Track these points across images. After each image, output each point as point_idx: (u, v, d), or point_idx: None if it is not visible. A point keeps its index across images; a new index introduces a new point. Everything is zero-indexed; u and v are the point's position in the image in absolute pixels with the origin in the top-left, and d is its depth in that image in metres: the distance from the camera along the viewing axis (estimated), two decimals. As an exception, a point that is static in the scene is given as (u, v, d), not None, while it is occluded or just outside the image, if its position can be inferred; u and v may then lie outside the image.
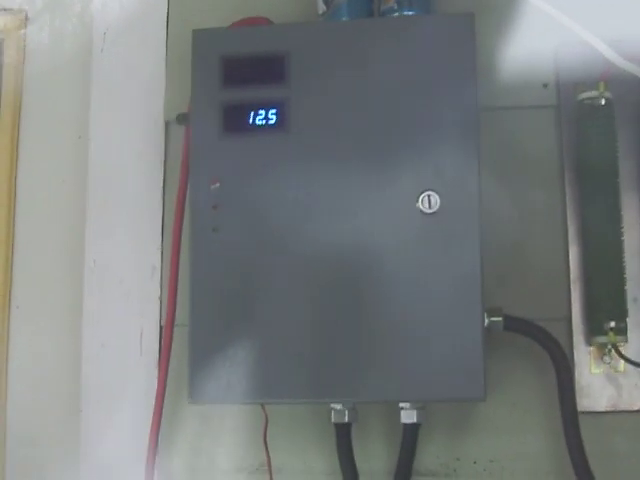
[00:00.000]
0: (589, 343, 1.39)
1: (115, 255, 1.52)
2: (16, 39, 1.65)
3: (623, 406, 1.39)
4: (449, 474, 1.42)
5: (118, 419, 1.49)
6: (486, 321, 1.27)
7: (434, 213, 1.26)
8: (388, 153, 1.28)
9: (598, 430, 1.38)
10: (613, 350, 1.35)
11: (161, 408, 1.41)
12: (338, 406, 1.33)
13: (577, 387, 1.37)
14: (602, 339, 1.35)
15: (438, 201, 1.26)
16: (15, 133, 1.62)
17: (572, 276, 1.41)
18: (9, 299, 1.57)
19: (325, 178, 1.29)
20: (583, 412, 1.36)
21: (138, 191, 1.54)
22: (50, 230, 1.58)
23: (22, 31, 1.66)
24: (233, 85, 1.33)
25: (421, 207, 1.26)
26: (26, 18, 1.66)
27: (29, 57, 1.65)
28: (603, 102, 1.39)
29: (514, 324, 1.32)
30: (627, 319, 1.35)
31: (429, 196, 1.26)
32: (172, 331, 1.42)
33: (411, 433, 1.33)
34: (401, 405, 1.31)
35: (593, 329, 1.37)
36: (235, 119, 1.32)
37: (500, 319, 1.29)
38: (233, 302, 1.29)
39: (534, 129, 1.47)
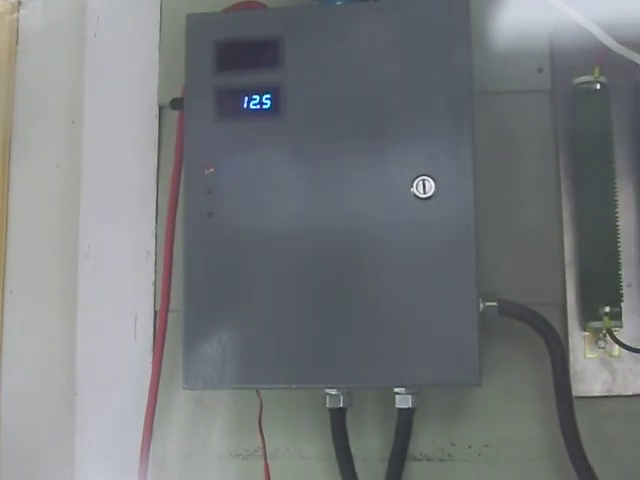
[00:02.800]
0: (584, 328, 1.39)
1: (109, 240, 1.52)
2: (8, 24, 1.65)
3: (617, 391, 1.39)
4: (444, 459, 1.42)
5: (113, 404, 1.49)
6: (481, 306, 1.26)
7: (429, 198, 1.26)
8: (383, 138, 1.28)
9: (593, 415, 1.38)
10: (608, 335, 1.35)
11: (156, 393, 1.41)
12: (333, 391, 1.33)
13: (572, 372, 1.37)
14: (597, 324, 1.35)
15: (433, 186, 1.26)
16: (8, 118, 1.62)
17: (567, 260, 1.41)
18: (2, 284, 1.57)
19: (320, 163, 1.29)
20: (578, 397, 1.36)
21: (132, 176, 1.53)
22: (44, 215, 1.58)
23: (14, 15, 1.65)
24: (227, 70, 1.32)
25: (415, 192, 1.26)
26: (18, 2, 1.65)
27: (22, 42, 1.65)
28: (598, 87, 1.38)
29: (509, 309, 1.31)
30: (622, 304, 1.35)
31: (424, 181, 1.26)
32: (166, 316, 1.42)
33: (406, 418, 1.32)
34: (396, 390, 1.31)
35: (588, 314, 1.37)
36: (229, 104, 1.32)
37: (495, 304, 1.29)
38: (227, 287, 1.29)
39: (529, 113, 1.46)
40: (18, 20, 1.65)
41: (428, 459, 1.43)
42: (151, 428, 1.41)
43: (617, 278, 1.35)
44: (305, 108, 1.30)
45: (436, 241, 1.25)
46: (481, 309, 1.26)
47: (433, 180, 1.26)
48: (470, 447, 1.42)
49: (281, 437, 1.45)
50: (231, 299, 1.28)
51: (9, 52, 1.64)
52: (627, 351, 1.36)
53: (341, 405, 1.33)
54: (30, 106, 1.62)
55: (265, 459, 1.41)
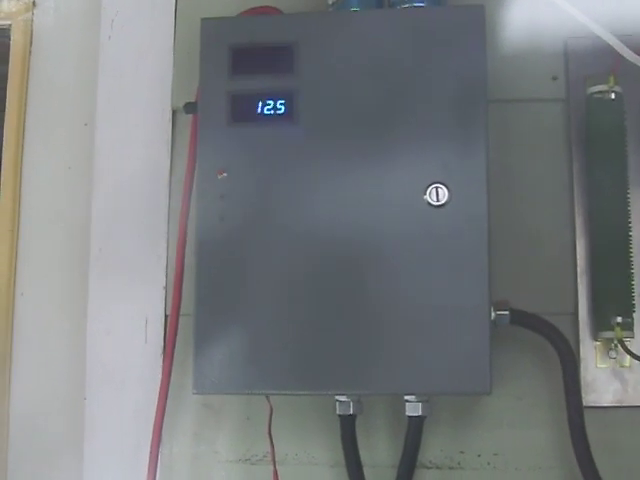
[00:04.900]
0: (595, 338, 1.39)
1: (121, 243, 1.52)
2: (23, 24, 1.65)
3: (628, 401, 1.39)
4: (453, 467, 1.42)
5: (122, 407, 1.49)
6: (493, 314, 1.26)
7: (442, 206, 1.26)
8: (396, 145, 1.28)
9: (603, 425, 1.38)
10: (619, 345, 1.35)
11: (165, 397, 1.41)
12: (343, 398, 1.33)
13: (583, 382, 1.37)
14: (608, 334, 1.35)
15: (446, 194, 1.26)
16: (21, 119, 1.62)
17: (579, 270, 1.41)
18: (14, 287, 1.57)
19: (333, 169, 1.29)
20: (588, 407, 1.36)
21: (144, 179, 1.53)
22: (55, 217, 1.58)
23: (29, 16, 1.65)
24: (241, 74, 1.32)
25: (429, 199, 1.26)
26: (33, 4, 1.65)
27: (36, 42, 1.65)
28: (613, 96, 1.38)
29: (521, 318, 1.32)
30: (634, 314, 1.35)
31: (437, 188, 1.26)
32: (177, 320, 1.42)
33: (416, 426, 1.32)
34: (406, 398, 1.31)
35: (599, 324, 1.37)
36: (243, 109, 1.32)
37: (507, 313, 1.29)
38: (239, 292, 1.29)
39: (543, 122, 1.46)
40: (32, 21, 1.65)
41: (437, 467, 1.42)
42: (160, 431, 1.41)
43: (629, 288, 1.35)
44: (319, 114, 1.30)
45: (449, 249, 1.25)
46: (493, 317, 1.27)
47: (446, 188, 1.26)
48: (479, 455, 1.42)
49: (290, 443, 1.45)
50: (242, 304, 1.28)
51: (23, 53, 1.64)
52: (638, 362, 1.36)
53: (351, 412, 1.33)
54: (43, 108, 1.62)
55: (274, 465, 1.40)
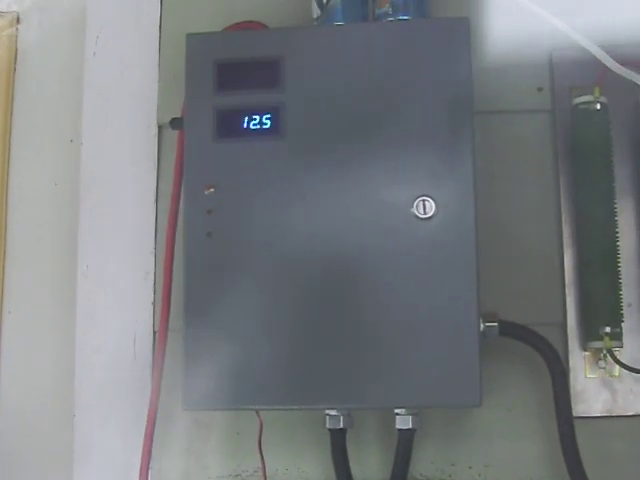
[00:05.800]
0: (584, 348, 1.39)
1: (108, 260, 1.51)
2: (7, 39, 1.64)
3: (618, 411, 1.39)
4: (444, 479, 1.42)
5: (111, 424, 1.48)
6: (482, 326, 1.27)
7: (429, 218, 1.26)
8: (383, 158, 1.28)
9: (593, 435, 1.38)
10: (608, 355, 1.35)
11: (155, 413, 1.40)
12: (333, 412, 1.32)
13: (572, 392, 1.37)
14: (597, 344, 1.35)
15: (433, 206, 1.26)
16: (6, 135, 1.61)
17: (567, 281, 1.41)
18: (1, 304, 1.56)
19: (320, 183, 1.29)
20: (578, 417, 1.36)
21: (131, 195, 1.53)
22: (42, 234, 1.58)
23: (13, 32, 1.64)
24: (227, 90, 1.32)
25: (416, 212, 1.26)
26: (17, 20, 1.65)
27: (21, 58, 1.64)
28: (598, 107, 1.39)
29: (510, 329, 1.32)
30: (622, 324, 1.35)
31: (424, 201, 1.26)
32: (166, 336, 1.41)
33: (406, 439, 1.32)
34: (396, 411, 1.31)
35: (588, 334, 1.37)
36: (229, 124, 1.32)
37: (495, 324, 1.29)
38: (227, 308, 1.28)
39: (529, 133, 1.47)
40: (17, 37, 1.64)
41: (428, 479, 1.42)
42: (150, 448, 1.41)
43: (617, 298, 1.35)
44: (305, 128, 1.30)
45: (436, 261, 1.25)
46: (482, 329, 1.27)
47: (433, 200, 1.26)
48: (470, 467, 1.42)
49: (281, 458, 1.44)
50: (231, 319, 1.28)
51: (8, 69, 1.63)
52: (627, 371, 1.36)
53: (341, 426, 1.32)
54: (29, 124, 1.62)
55: (265, 480, 1.41)
